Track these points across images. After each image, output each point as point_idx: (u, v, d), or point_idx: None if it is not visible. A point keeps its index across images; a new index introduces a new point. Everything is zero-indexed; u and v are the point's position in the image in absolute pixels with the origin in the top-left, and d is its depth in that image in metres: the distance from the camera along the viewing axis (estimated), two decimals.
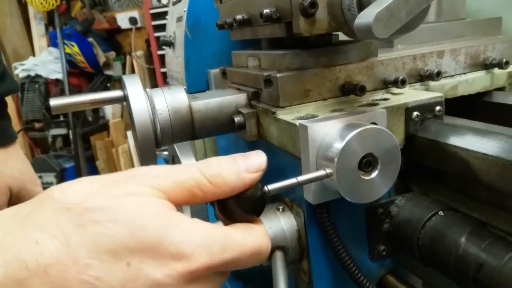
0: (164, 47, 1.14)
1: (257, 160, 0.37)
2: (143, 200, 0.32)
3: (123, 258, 0.29)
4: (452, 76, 0.68)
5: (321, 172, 0.44)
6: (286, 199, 0.62)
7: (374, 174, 0.47)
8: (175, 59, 1.05)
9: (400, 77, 0.60)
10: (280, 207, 0.61)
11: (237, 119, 0.63)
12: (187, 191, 0.34)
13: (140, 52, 3.61)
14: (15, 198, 0.74)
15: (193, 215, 0.64)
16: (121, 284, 0.29)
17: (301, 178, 0.41)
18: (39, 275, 0.28)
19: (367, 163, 0.46)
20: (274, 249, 0.57)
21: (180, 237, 0.31)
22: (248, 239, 0.34)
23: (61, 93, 3.30)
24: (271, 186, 0.38)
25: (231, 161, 0.36)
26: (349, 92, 0.59)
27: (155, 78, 3.31)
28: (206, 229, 0.33)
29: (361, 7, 0.48)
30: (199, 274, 0.31)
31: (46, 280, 0.28)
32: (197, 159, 0.79)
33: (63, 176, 3.19)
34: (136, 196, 0.32)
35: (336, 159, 0.44)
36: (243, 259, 0.34)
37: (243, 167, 0.35)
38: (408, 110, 0.54)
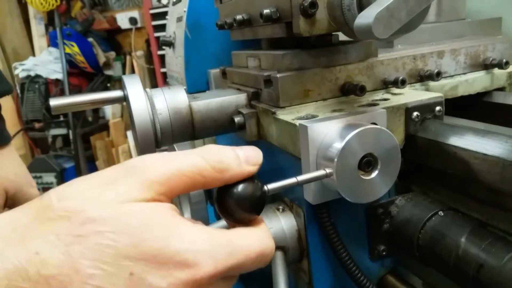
0: (164, 47, 1.14)
1: (255, 154, 0.37)
2: (143, 207, 0.31)
3: (126, 268, 0.29)
4: (452, 76, 0.68)
5: (321, 172, 0.44)
6: (286, 199, 0.62)
7: (374, 174, 0.47)
8: (175, 59, 1.05)
9: (400, 77, 0.60)
10: (280, 207, 0.61)
11: (237, 119, 0.63)
12: (188, 178, 0.33)
13: (140, 52, 3.61)
14: (10, 200, 0.74)
15: (193, 214, 0.64)
16: None
17: (301, 177, 0.41)
18: (41, 286, 0.28)
19: (367, 163, 0.46)
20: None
21: (184, 245, 0.31)
22: (253, 242, 0.34)
23: (61, 93, 3.30)
24: (271, 186, 0.38)
25: (232, 150, 0.36)
26: (349, 92, 0.59)
27: (155, 78, 3.31)
28: (210, 235, 0.32)
29: (361, 7, 0.48)
30: (204, 282, 0.31)
31: None
32: None
33: (63, 176, 3.19)
34: (136, 203, 0.31)
35: (336, 159, 0.44)
36: (248, 263, 0.34)
37: (243, 158, 0.36)
38: (408, 110, 0.54)
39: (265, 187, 0.38)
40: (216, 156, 0.34)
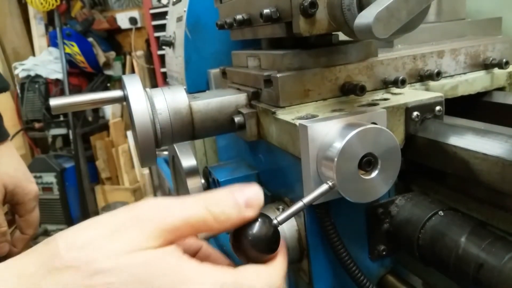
0: (164, 47, 1.14)
1: (255, 196, 0.38)
2: (150, 255, 0.32)
3: None
4: (452, 76, 0.68)
5: (324, 187, 0.44)
6: (286, 199, 0.62)
7: (374, 173, 0.47)
8: (175, 59, 1.05)
9: (400, 77, 0.60)
10: (280, 207, 0.61)
11: (237, 119, 0.63)
12: (193, 227, 0.35)
13: (140, 52, 3.61)
14: (10, 195, 0.75)
15: None
16: None
17: (307, 199, 0.42)
18: None
19: (367, 162, 0.46)
20: None
21: None
22: (259, 284, 0.35)
23: (61, 93, 3.30)
24: (280, 217, 0.39)
25: (232, 197, 0.37)
26: (349, 92, 0.59)
27: (155, 78, 3.31)
28: (217, 279, 0.33)
29: (361, 7, 0.48)
30: None
31: None
32: (197, 159, 0.79)
33: (63, 176, 3.19)
34: (144, 251, 0.32)
35: (336, 159, 0.44)
36: None
37: (243, 203, 0.37)
38: (408, 110, 0.54)
39: (275, 221, 0.39)
40: (218, 207, 0.36)
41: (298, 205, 0.41)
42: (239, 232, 0.37)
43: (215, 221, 0.35)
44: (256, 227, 0.37)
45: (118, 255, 0.31)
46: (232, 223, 0.36)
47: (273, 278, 0.37)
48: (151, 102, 0.59)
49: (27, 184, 0.77)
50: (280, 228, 0.58)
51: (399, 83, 0.60)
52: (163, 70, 2.91)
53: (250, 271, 0.36)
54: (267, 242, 0.37)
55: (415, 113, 0.54)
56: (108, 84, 3.80)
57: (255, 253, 0.37)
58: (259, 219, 0.38)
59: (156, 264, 0.32)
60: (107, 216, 0.34)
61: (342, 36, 0.59)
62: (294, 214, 0.41)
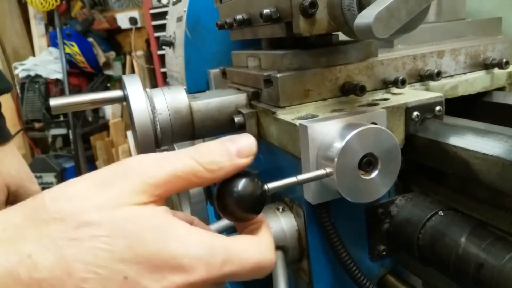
0: (164, 47, 1.14)
1: (247, 144, 0.36)
2: (138, 211, 0.31)
3: (120, 271, 0.29)
4: (452, 76, 0.68)
5: (321, 171, 0.44)
6: (286, 199, 0.62)
7: (374, 173, 0.47)
8: (175, 59, 1.05)
9: (400, 77, 0.60)
10: (280, 207, 0.61)
11: (237, 119, 0.63)
12: (183, 179, 0.33)
13: (140, 52, 3.61)
14: (12, 196, 0.75)
15: (193, 213, 0.64)
16: None
17: (301, 177, 0.41)
18: None
19: (367, 162, 0.46)
20: None
21: (180, 249, 0.31)
22: (250, 252, 0.34)
23: (61, 93, 3.30)
24: (271, 185, 0.39)
25: (222, 147, 0.36)
26: (349, 92, 0.59)
27: (155, 78, 3.31)
28: (206, 240, 0.32)
29: (361, 7, 0.48)
30: (197, 287, 0.31)
31: None
32: None
33: (63, 176, 3.19)
34: (131, 206, 0.31)
35: (336, 159, 0.44)
36: (242, 273, 0.34)
37: (235, 152, 0.35)
38: (408, 110, 0.54)
39: (265, 186, 0.38)
40: (207, 156, 0.34)
41: (292, 179, 0.40)
42: (224, 187, 0.36)
43: (206, 171, 0.34)
44: (243, 184, 0.36)
45: (105, 208, 0.30)
46: (226, 172, 0.35)
47: (264, 246, 0.36)
48: (151, 102, 0.59)
49: (30, 184, 0.77)
50: (280, 228, 0.58)
51: (399, 83, 0.60)
52: (163, 70, 2.91)
53: (242, 239, 0.35)
54: (251, 200, 0.36)
55: (415, 113, 0.54)
56: (108, 84, 3.80)
57: (239, 211, 0.36)
58: (247, 176, 0.36)
59: (145, 219, 0.31)
60: (94, 172, 0.34)
61: (342, 36, 0.59)
62: (285, 186, 0.40)
